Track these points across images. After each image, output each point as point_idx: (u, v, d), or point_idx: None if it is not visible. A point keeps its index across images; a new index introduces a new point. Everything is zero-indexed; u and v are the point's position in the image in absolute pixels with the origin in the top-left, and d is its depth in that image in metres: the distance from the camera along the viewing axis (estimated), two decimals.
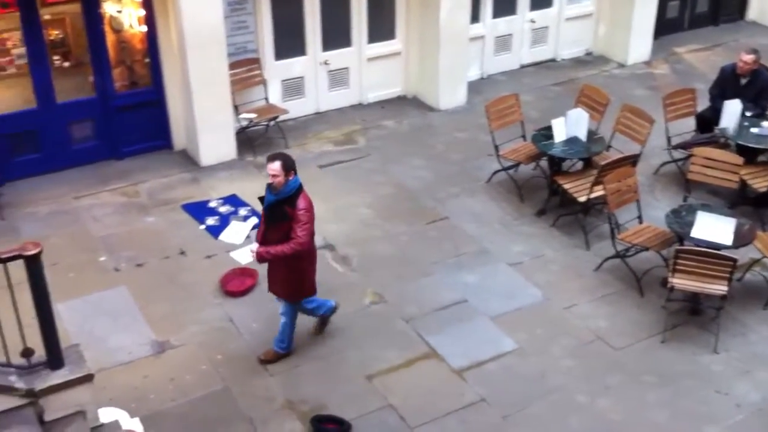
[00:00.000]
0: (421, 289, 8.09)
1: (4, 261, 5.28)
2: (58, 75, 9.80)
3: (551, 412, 6.75)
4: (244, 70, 10.55)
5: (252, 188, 9.14)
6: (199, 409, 6.72)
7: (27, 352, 5.57)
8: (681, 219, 7.91)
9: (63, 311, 7.41)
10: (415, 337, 7.51)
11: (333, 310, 7.43)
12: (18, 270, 5.34)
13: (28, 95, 9.64)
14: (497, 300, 7.96)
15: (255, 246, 6.75)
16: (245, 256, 8.17)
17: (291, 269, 6.78)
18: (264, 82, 10.81)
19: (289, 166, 6.54)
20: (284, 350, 7.20)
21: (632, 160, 8.65)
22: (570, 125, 9.25)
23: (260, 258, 6.69)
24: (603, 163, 8.59)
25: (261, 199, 6.80)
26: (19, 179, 9.66)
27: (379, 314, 7.79)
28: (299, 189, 6.60)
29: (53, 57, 9.84)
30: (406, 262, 8.50)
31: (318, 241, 8.62)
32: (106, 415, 6.31)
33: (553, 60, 13.19)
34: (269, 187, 6.64)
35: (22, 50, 9.47)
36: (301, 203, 6.56)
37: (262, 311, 7.65)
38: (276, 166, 6.49)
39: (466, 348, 7.36)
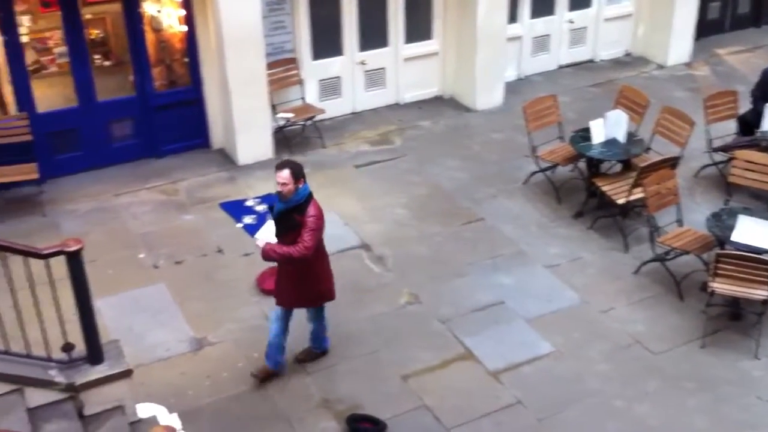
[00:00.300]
0: (456, 290, 8.06)
1: (46, 257, 5.36)
2: (99, 74, 9.93)
3: (587, 416, 6.69)
4: (282, 69, 10.60)
5: None
6: (236, 406, 6.75)
7: (67, 347, 5.66)
8: (722, 223, 7.80)
9: (102, 307, 7.46)
10: (450, 338, 7.48)
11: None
12: (59, 266, 5.42)
13: (69, 94, 9.77)
14: (534, 302, 7.91)
15: (262, 242, 6.56)
16: None
17: (303, 275, 6.64)
18: (301, 82, 10.85)
19: (298, 174, 6.38)
20: (320, 350, 7.22)
21: (672, 163, 8.55)
22: (609, 127, 9.16)
23: (265, 255, 6.50)
24: (642, 165, 8.51)
25: (271, 208, 6.66)
26: (60, 176, 9.79)
27: (415, 315, 7.77)
28: (309, 197, 6.46)
29: (94, 56, 9.99)
30: (442, 262, 8.47)
31: (354, 240, 8.70)
32: (145, 410, 6.39)
33: (591, 61, 13.08)
34: (278, 195, 6.47)
35: (64, 49, 9.62)
36: (311, 210, 6.41)
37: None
38: (285, 174, 6.33)
39: (503, 350, 7.32)
